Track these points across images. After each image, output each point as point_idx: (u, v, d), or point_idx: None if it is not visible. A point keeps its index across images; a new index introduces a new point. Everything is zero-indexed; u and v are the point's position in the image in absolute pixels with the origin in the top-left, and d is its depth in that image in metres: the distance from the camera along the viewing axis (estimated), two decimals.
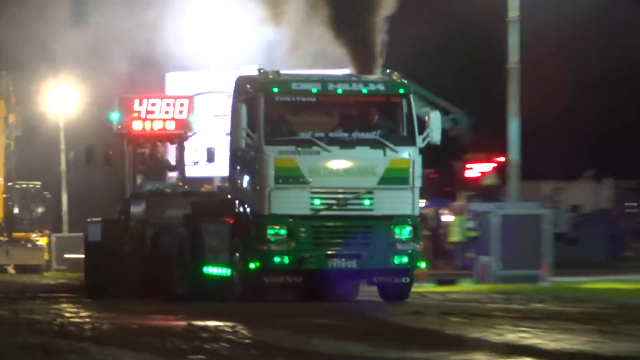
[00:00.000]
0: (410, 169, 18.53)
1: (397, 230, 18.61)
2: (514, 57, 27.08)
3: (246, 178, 19.24)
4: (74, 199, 46.68)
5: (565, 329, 14.07)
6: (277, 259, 18.52)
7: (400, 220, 18.65)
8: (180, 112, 24.13)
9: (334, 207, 18.58)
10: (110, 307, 19.19)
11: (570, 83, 45.61)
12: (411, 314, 16.09)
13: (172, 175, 25.20)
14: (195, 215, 21.12)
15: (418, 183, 18.65)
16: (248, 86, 19.39)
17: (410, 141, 18.63)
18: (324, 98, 18.89)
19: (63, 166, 46.76)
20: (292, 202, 18.59)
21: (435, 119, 18.75)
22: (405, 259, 18.63)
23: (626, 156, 49.68)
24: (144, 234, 22.37)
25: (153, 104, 24.05)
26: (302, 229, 18.57)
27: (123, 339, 12.61)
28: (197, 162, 24.70)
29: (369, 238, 18.74)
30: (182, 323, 14.19)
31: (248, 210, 19.06)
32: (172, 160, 24.79)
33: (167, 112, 24.04)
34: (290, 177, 18.52)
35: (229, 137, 19.74)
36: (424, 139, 18.71)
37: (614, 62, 46.53)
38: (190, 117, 24.30)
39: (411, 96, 18.91)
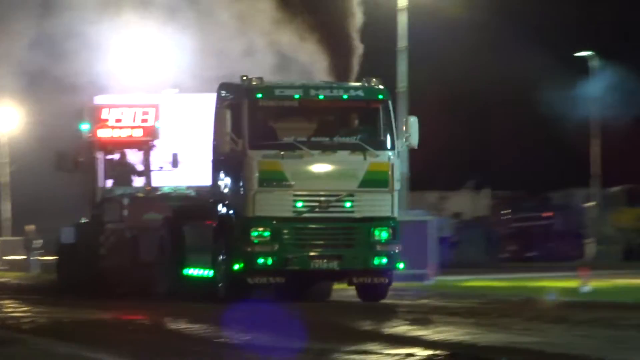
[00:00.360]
0: (390, 172, 19.12)
1: (377, 232, 19.17)
2: (402, 82, 31.46)
3: (230, 181, 19.67)
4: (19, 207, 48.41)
5: (447, 322, 15.53)
6: (260, 260, 18.93)
7: (380, 222, 19.21)
8: (146, 120, 24.74)
9: (316, 210, 19.09)
10: (57, 304, 20.50)
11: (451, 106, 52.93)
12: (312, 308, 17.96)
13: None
14: (177, 218, 21.63)
15: (397, 186, 19.28)
16: (230, 93, 19.85)
17: (389, 145, 19.25)
18: (306, 103, 19.41)
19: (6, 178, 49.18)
20: (275, 204, 19.05)
21: (413, 124, 19.37)
22: (384, 260, 19.20)
23: (501, 169, 54.85)
24: (122, 237, 22.82)
25: (121, 112, 24.71)
26: (286, 231, 19.04)
27: (57, 331, 14.19)
28: (162, 167, 25.01)
29: (350, 240, 19.29)
30: (111, 317, 16.75)
31: (232, 212, 19.48)
32: (140, 166, 25.32)
33: (134, 120, 24.72)
34: (274, 180, 18.97)
35: (212, 143, 20.18)
36: (402, 144, 19.39)
37: (490, 88, 51.93)
38: (157, 124, 24.86)
39: (389, 102, 19.54)
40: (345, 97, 19.47)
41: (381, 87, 19.65)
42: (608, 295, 21.17)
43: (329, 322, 15.73)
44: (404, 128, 19.51)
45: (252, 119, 19.11)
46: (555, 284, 24.63)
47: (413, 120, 19.46)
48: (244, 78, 19.45)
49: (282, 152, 18.93)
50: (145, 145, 24.91)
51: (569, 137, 48.41)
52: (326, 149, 19.13)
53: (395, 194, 19.30)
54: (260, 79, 19.52)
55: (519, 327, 14.58)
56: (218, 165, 20.14)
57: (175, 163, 24.87)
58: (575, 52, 46.91)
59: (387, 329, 14.32)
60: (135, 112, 24.76)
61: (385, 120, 19.34)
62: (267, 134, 19.30)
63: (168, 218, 21.79)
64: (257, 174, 18.88)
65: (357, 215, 19.22)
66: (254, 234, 18.94)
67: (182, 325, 15.35)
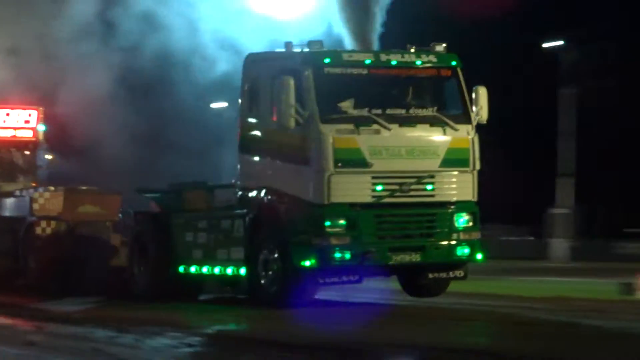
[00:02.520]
0: (471, 149, 16.68)
1: (458, 218, 16.65)
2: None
3: (284, 163, 16.55)
4: None
5: None
6: (338, 255, 15.92)
7: (462, 206, 16.69)
8: (28, 122, 25.94)
9: (397, 194, 16.35)
10: None
11: None
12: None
13: None
14: (164, 210, 19.82)
15: (478, 165, 16.83)
16: (281, 61, 16.82)
17: (466, 119, 16.76)
18: (376, 71, 16.57)
19: None
20: (352, 188, 16.10)
21: (483, 95, 16.97)
22: (467, 250, 16.69)
23: None
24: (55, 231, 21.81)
25: (7, 114, 25.88)
26: (364, 219, 16.15)
27: None
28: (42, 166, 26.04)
29: (432, 228, 16.64)
30: None
31: (285, 200, 16.45)
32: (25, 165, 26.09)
33: (17, 122, 25.98)
34: (351, 160, 16.02)
35: (241, 121, 17.46)
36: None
37: None
38: (39, 126, 25.90)
39: (461, 70, 17.07)
40: (418, 63, 16.76)
41: (452, 53, 17.18)
42: None
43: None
44: (473, 99, 17.04)
45: (320, 89, 16.04)
46: None
47: (482, 91, 17.04)
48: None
49: (358, 127, 16.06)
50: (29, 145, 25.92)
51: None
52: (404, 123, 16.39)
53: (476, 175, 16.83)
54: (320, 42, 16.63)
55: None
56: (255, 145, 17.07)
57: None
58: None
59: None
60: (19, 114, 25.96)
61: (460, 90, 16.83)
62: (336, 107, 16.22)
63: (147, 212, 20.27)
64: (331, 153, 15.84)
65: (438, 199, 16.57)
66: (329, 223, 15.91)
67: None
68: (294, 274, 16.15)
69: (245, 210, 17.23)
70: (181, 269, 18.71)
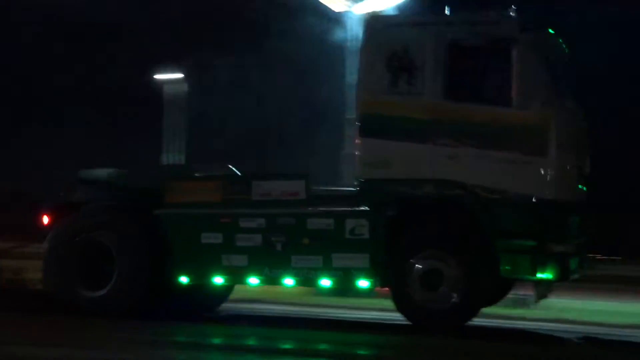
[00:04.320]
0: None
1: None
2: None
3: (501, 150, 13.54)
4: None
5: None
6: (573, 265, 13.71)
7: None
8: None
9: None
10: None
11: None
12: None
13: None
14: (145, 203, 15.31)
15: None
16: (474, 28, 13.86)
17: None
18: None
19: None
20: (572, 182, 14.21)
21: None
22: None
23: None
24: None
25: None
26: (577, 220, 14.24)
27: None
28: None
29: None
30: None
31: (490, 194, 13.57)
32: None
33: None
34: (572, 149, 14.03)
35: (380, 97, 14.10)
36: None
37: None
38: None
39: None
40: None
41: None
42: None
43: None
44: None
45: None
46: None
47: None
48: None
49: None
50: None
51: None
52: None
53: None
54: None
55: None
56: (407, 127, 13.94)
57: None
58: None
59: None
60: None
61: None
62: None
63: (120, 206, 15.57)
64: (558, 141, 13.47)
65: None
66: (567, 225, 13.70)
67: None
68: (483, 289, 13.66)
69: (373, 208, 13.96)
70: (183, 279, 15.14)
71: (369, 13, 14.10)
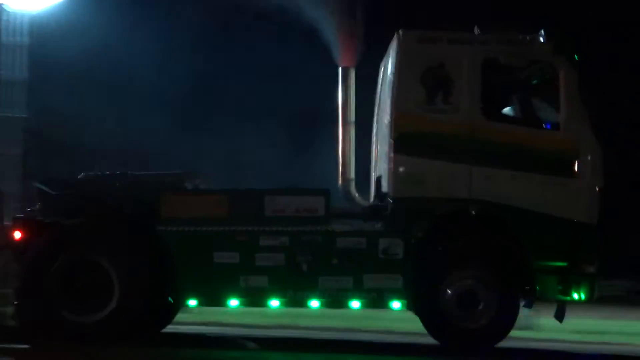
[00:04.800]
0: None
1: None
2: None
3: (536, 172, 13.67)
4: None
5: None
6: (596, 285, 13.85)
7: None
8: None
9: None
10: None
11: None
12: None
13: None
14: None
15: None
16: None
17: None
18: None
19: None
20: None
21: None
22: None
23: None
24: None
25: None
26: None
27: None
28: None
29: None
30: None
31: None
32: None
33: None
34: None
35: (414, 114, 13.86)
36: None
37: None
38: None
39: None
40: None
41: None
42: None
43: None
44: None
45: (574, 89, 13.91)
46: None
47: None
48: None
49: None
50: None
51: None
52: None
53: None
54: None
55: None
56: (443, 146, 13.81)
57: None
58: None
59: None
60: None
61: None
62: None
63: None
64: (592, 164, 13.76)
65: None
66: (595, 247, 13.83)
67: None
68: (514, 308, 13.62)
69: (408, 227, 13.76)
70: (192, 302, 14.09)
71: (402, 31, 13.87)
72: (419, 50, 14.02)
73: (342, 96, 15.36)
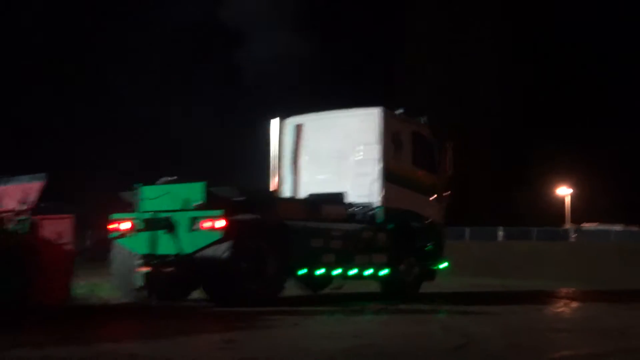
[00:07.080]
0: None
1: None
2: None
3: (422, 194, 22.90)
4: None
5: None
6: None
7: None
8: None
9: None
10: None
11: None
12: None
13: None
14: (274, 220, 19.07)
15: None
16: None
17: None
18: None
19: None
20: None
21: None
22: None
23: None
24: None
25: None
26: None
27: None
28: None
29: None
30: None
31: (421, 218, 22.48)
32: None
33: None
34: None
35: (389, 160, 21.63)
36: None
37: None
38: None
39: None
40: None
41: None
42: None
43: None
44: None
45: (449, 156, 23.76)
46: None
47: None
48: None
49: None
50: None
51: None
52: None
53: None
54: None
55: None
56: (399, 178, 21.89)
57: None
58: None
59: None
60: None
61: None
62: None
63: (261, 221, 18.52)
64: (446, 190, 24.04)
65: None
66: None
67: None
68: (430, 272, 22.79)
69: (391, 225, 21.36)
70: (301, 272, 19.51)
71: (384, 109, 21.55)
72: (392, 124, 21.73)
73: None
